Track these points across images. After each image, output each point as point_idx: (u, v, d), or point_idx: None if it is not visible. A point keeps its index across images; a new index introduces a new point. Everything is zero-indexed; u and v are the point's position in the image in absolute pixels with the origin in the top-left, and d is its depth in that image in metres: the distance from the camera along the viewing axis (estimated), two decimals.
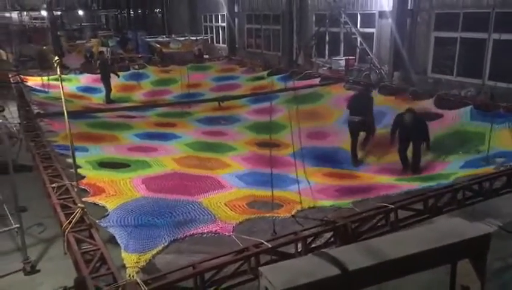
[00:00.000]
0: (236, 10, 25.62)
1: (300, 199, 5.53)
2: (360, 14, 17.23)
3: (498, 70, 12.41)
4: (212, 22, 28.93)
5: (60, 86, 5.63)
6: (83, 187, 5.82)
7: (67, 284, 4.86)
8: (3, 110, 11.58)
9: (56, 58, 5.81)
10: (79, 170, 6.10)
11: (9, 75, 15.23)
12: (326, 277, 3.01)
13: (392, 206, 4.99)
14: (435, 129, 8.95)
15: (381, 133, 9.23)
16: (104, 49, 22.45)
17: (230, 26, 25.98)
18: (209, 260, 4.01)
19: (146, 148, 8.90)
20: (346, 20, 17.21)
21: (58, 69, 5.60)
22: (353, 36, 17.25)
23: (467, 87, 12.80)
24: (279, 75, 14.98)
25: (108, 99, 14.60)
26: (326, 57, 19.01)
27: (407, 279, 3.46)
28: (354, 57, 17.25)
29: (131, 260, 4.05)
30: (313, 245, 4.55)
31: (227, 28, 26.47)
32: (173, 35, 25.91)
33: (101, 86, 15.20)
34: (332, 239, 4.69)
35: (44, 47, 24.12)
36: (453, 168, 7.32)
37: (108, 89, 14.79)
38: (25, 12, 39.23)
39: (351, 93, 11.85)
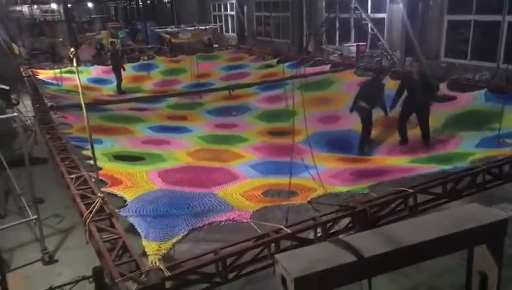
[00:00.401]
0: None
1: (317, 185, 5.53)
2: None
3: None
4: (221, 10, 28.76)
5: (73, 78, 5.69)
6: (101, 178, 5.88)
7: (85, 274, 4.94)
8: (18, 103, 11.73)
9: (72, 49, 5.87)
10: (96, 162, 6.16)
11: (22, 69, 15.39)
12: (342, 263, 3.01)
13: (411, 191, 4.97)
14: (448, 110, 8.87)
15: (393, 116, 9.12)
16: (114, 40, 22.51)
17: (239, 15, 25.81)
18: (230, 246, 4.06)
19: (159, 142, 8.96)
20: (356, 6, 16.95)
21: (74, 61, 5.65)
22: (364, 22, 17.00)
23: (481, 71, 12.60)
24: (289, 63, 14.88)
25: (120, 90, 14.69)
26: (337, 43, 18.81)
27: (423, 264, 3.46)
28: (365, 43, 17.03)
29: (152, 248, 4.10)
30: (332, 230, 4.57)
31: (236, 16, 26.30)
32: (182, 25, 25.81)
33: (111, 77, 15.30)
34: (351, 224, 4.70)
35: (60, 39, 24.31)
36: (468, 147, 7.21)
37: (119, 79, 14.88)
38: (35, 6, 39.43)
39: (362, 79, 11.76)
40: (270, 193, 6.16)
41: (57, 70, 14.65)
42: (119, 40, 22.81)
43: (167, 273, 3.62)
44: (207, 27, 24.95)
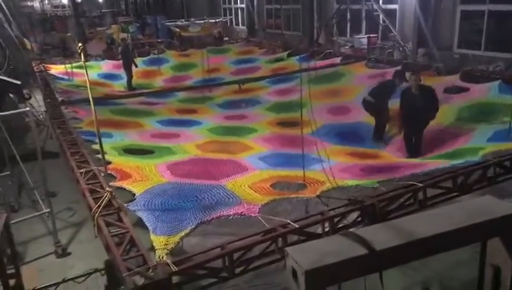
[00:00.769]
0: None
1: (326, 179, 5.49)
2: None
3: None
4: (231, 3, 28.65)
5: (84, 73, 5.70)
6: (110, 172, 5.91)
7: (98, 266, 4.98)
8: (30, 98, 11.83)
9: (80, 44, 5.87)
10: (105, 156, 6.20)
11: (33, 64, 15.53)
12: (353, 256, 2.98)
13: (421, 185, 4.89)
14: (460, 101, 8.73)
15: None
16: (124, 35, 22.56)
17: (249, 8, 25.68)
18: (237, 241, 4.04)
19: (169, 135, 8.97)
20: None
21: (82, 56, 5.65)
22: (375, 13, 16.78)
23: (495, 62, 12.36)
24: (299, 56, 14.77)
25: (130, 86, 14.71)
26: (348, 35, 18.62)
27: (433, 258, 3.41)
28: (376, 35, 16.82)
29: (160, 243, 4.11)
30: (340, 225, 4.53)
31: (246, 9, 26.17)
32: (192, 19, 25.78)
33: (121, 72, 15.33)
34: (359, 219, 4.65)
35: (69, 34, 24.46)
36: (479, 142, 7.07)
37: (130, 76, 14.90)
38: (46, 1, 39.73)
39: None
40: (279, 185, 6.14)
41: (68, 65, 14.73)
42: (129, 35, 22.87)
43: (174, 268, 3.62)
44: (217, 20, 24.86)
